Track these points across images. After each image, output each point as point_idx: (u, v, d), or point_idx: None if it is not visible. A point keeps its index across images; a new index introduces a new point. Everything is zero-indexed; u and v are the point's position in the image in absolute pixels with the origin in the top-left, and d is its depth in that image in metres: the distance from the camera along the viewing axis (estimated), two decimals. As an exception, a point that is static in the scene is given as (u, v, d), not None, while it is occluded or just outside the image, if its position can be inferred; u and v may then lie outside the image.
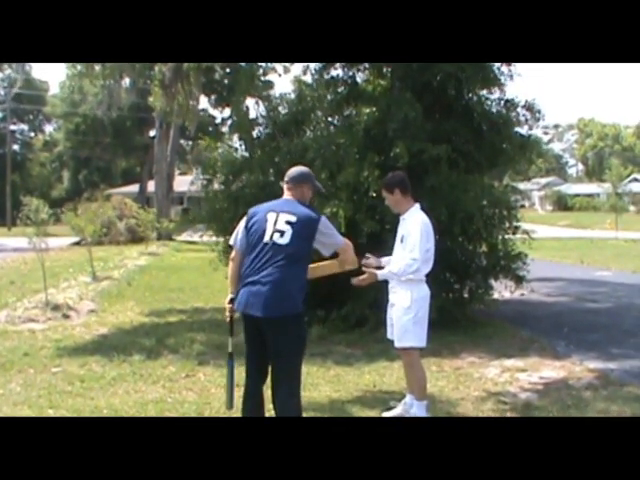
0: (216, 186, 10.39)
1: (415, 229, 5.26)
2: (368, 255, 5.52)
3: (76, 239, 25.38)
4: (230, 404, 4.79)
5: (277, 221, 4.48)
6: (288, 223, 4.46)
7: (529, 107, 10.19)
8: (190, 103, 22.80)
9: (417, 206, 5.48)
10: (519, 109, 10.18)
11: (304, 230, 4.46)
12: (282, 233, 4.45)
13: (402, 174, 5.66)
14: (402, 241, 5.36)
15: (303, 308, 4.43)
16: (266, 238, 4.47)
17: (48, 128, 67.67)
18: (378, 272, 5.33)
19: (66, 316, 10.51)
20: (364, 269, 5.37)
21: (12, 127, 59.34)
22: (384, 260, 5.57)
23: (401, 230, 5.44)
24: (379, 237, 8.11)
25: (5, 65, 55.82)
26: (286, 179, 4.78)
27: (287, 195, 4.70)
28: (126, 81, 31.12)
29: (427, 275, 5.40)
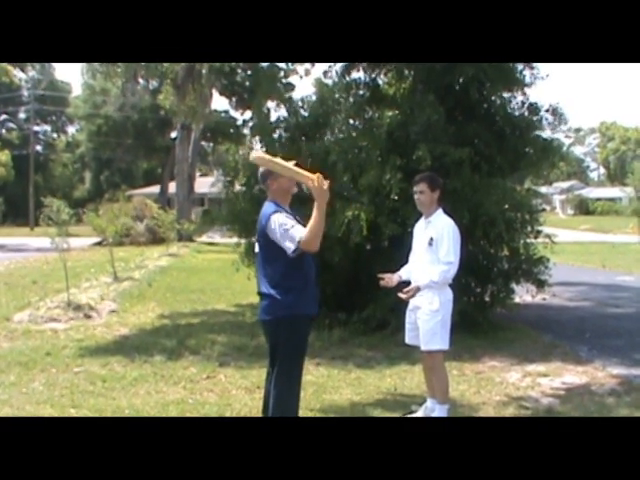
0: (237, 187, 10.41)
1: (447, 232, 5.26)
2: (382, 276, 5.52)
3: (97, 239, 25.58)
4: None
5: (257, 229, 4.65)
6: (257, 230, 4.62)
7: (553, 111, 10.14)
8: (200, 104, 22.82)
9: (441, 209, 5.48)
10: (542, 112, 10.13)
11: (261, 232, 4.52)
12: (256, 241, 4.69)
13: (440, 178, 5.66)
14: (430, 244, 5.31)
15: (294, 309, 4.43)
16: (255, 247, 4.73)
17: (70, 129, 68.42)
18: (420, 284, 5.26)
19: (88, 316, 10.58)
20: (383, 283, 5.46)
21: (35, 128, 59.99)
22: (403, 273, 5.57)
23: (428, 232, 5.38)
24: (401, 240, 8.06)
25: (29, 66, 56.53)
26: None
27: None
28: (141, 82, 31.32)
29: (453, 279, 5.39)
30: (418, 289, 5.24)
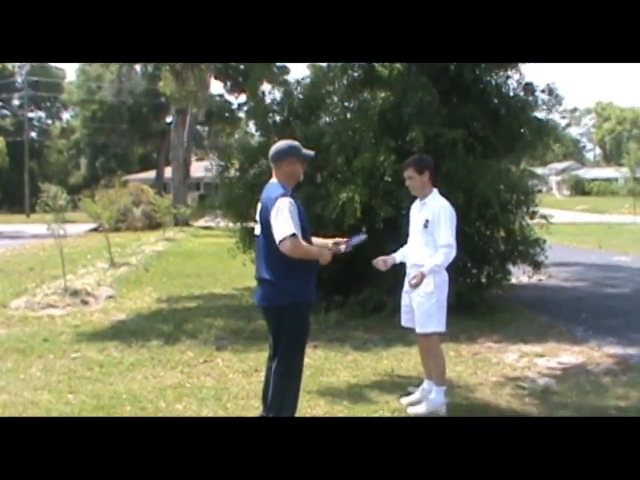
0: (232, 172, 10.38)
1: (444, 215, 5.21)
2: (377, 260, 5.48)
3: (93, 225, 25.53)
4: None
5: (258, 211, 4.57)
6: (259, 212, 4.53)
7: (549, 90, 10.07)
8: (201, 89, 22.78)
9: (436, 191, 5.43)
10: (538, 93, 10.07)
11: (264, 217, 4.42)
12: (257, 223, 4.59)
13: (431, 158, 5.60)
14: (426, 226, 5.26)
15: (297, 297, 4.41)
16: (255, 230, 4.64)
17: (65, 115, 68.19)
18: (424, 270, 5.19)
19: (85, 302, 10.57)
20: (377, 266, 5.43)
21: (29, 114, 59.74)
22: (398, 256, 5.55)
23: (423, 215, 5.33)
24: (395, 222, 8.07)
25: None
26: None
27: (272, 178, 4.63)
28: (140, 67, 31.17)
29: None
30: (423, 276, 5.19)
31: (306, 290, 4.49)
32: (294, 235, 4.24)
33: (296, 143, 4.65)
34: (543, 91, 10.10)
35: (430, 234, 5.24)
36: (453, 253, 5.21)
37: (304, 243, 4.38)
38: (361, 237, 4.93)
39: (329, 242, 4.70)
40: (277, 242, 4.26)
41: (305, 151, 4.64)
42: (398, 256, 5.57)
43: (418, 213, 5.43)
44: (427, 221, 5.26)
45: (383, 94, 8.99)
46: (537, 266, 9.69)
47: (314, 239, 4.66)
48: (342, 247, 4.72)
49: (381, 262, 5.49)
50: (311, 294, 4.55)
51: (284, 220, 4.25)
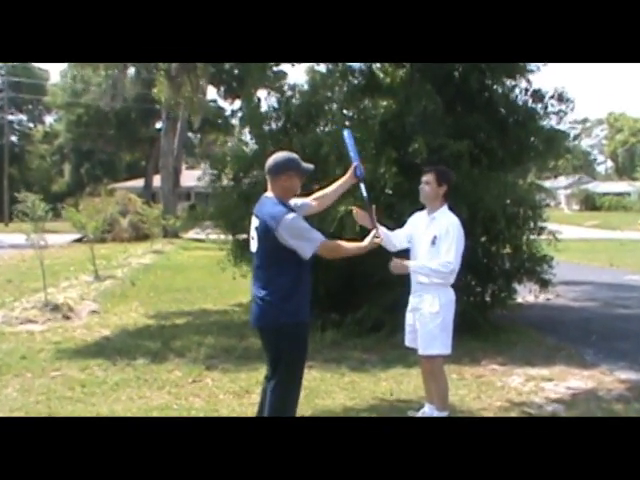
0: (225, 182, 10.41)
1: (452, 232, 5.20)
2: (395, 262, 5.36)
3: (78, 236, 25.52)
4: None
5: (253, 226, 4.60)
6: (255, 228, 4.55)
7: (559, 97, 10.07)
8: (197, 95, 22.86)
9: (446, 206, 5.43)
10: (547, 100, 10.09)
11: (265, 234, 4.44)
12: (253, 240, 4.60)
13: (454, 175, 5.65)
14: (434, 243, 5.24)
15: (297, 316, 4.46)
16: (251, 246, 4.66)
17: (48, 119, 68.08)
18: (410, 263, 5.25)
19: (66, 317, 10.54)
20: (360, 221, 5.35)
21: (10, 117, 59.71)
22: (380, 228, 5.36)
23: (431, 231, 5.30)
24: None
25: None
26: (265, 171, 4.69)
27: (268, 191, 4.63)
28: (131, 71, 31.22)
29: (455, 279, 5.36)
30: (406, 268, 5.22)
31: (305, 310, 4.55)
32: (323, 239, 4.43)
33: (295, 156, 4.66)
34: (552, 97, 10.11)
35: (437, 252, 5.22)
36: (450, 268, 5.16)
37: (337, 241, 4.68)
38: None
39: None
40: (312, 252, 4.40)
41: (304, 165, 4.65)
42: (391, 238, 5.48)
43: (425, 229, 5.40)
44: (435, 237, 5.24)
45: (385, 102, 9.04)
46: (544, 284, 9.69)
47: None
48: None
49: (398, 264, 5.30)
50: (308, 313, 4.60)
51: (305, 233, 4.39)
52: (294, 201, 4.70)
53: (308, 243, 4.38)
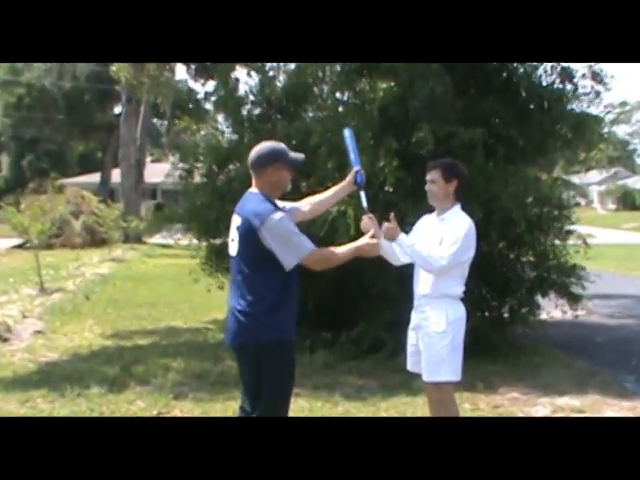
0: (198, 177, 10.43)
1: (459, 232, 5.13)
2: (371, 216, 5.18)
3: (19, 241, 25.47)
4: None
5: (234, 226, 4.59)
6: (237, 228, 4.54)
7: (593, 75, 10.08)
8: (164, 74, 22.77)
9: (459, 206, 5.38)
10: (577, 80, 10.10)
11: (246, 236, 4.44)
12: (233, 242, 4.60)
13: (465, 168, 5.58)
14: (440, 245, 5.14)
15: (282, 333, 4.44)
16: (230, 250, 4.66)
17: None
18: (402, 236, 5.13)
19: (4, 339, 10.48)
20: (363, 227, 5.15)
21: None
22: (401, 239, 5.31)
23: (439, 233, 5.24)
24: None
25: None
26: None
27: (252, 186, 4.66)
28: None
29: (464, 292, 5.32)
30: (396, 235, 5.10)
31: (292, 325, 4.54)
32: (312, 248, 4.44)
33: (282, 146, 4.71)
34: (584, 76, 10.11)
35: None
36: (440, 264, 5.03)
37: (327, 249, 4.68)
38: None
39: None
40: (296, 262, 4.39)
41: (293, 155, 4.69)
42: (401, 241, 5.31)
43: (433, 230, 5.35)
44: (442, 239, 5.17)
45: (385, 84, 9.03)
46: (574, 298, 9.72)
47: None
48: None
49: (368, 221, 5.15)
50: (293, 330, 4.59)
51: (292, 238, 4.40)
52: (282, 204, 4.73)
53: (292, 251, 4.38)
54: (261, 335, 4.40)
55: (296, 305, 4.63)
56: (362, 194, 5.19)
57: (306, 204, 5.04)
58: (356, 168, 5.13)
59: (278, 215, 4.38)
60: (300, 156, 4.75)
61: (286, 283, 4.46)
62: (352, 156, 5.20)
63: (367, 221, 5.09)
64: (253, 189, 4.62)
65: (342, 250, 4.68)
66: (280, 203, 4.70)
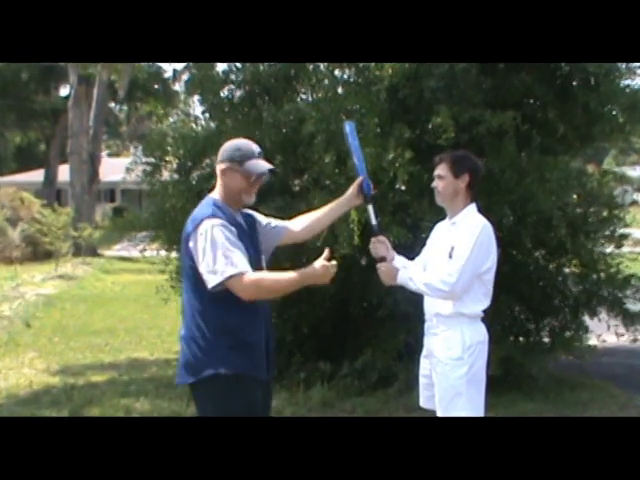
0: (166, 174, 10.42)
1: (469, 238, 5.10)
2: (381, 239, 5.45)
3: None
4: None
5: None
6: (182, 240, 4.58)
7: None
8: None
9: (474, 206, 5.35)
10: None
11: (184, 246, 4.46)
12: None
13: (480, 162, 5.55)
14: (451, 256, 5.12)
15: (228, 366, 4.35)
16: None
17: None
18: (400, 272, 5.24)
19: None
20: (373, 251, 5.41)
21: None
22: (398, 259, 5.53)
23: (449, 240, 5.22)
24: (411, 250, 8.13)
25: None
26: None
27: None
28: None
29: (485, 311, 5.26)
30: (394, 275, 5.24)
31: (249, 359, 4.44)
32: (240, 270, 4.26)
33: (248, 147, 4.60)
34: None
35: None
36: (447, 289, 5.04)
37: (262, 273, 4.47)
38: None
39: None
40: (218, 282, 4.27)
41: (255, 163, 4.56)
42: (398, 260, 5.53)
43: (444, 237, 5.37)
44: (453, 249, 5.14)
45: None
46: (630, 318, 9.64)
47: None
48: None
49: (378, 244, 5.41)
50: (255, 366, 4.49)
51: (220, 253, 4.26)
52: (265, 220, 4.79)
53: (212, 271, 4.27)
54: (199, 369, 4.40)
55: (259, 336, 4.55)
56: (370, 208, 5.26)
57: (298, 222, 5.07)
58: (361, 176, 5.21)
59: (216, 222, 4.34)
60: (263, 168, 4.58)
61: (232, 305, 4.36)
62: (356, 162, 5.26)
63: (378, 245, 5.25)
64: (211, 193, 4.69)
65: (288, 277, 4.43)
66: (263, 218, 4.78)
